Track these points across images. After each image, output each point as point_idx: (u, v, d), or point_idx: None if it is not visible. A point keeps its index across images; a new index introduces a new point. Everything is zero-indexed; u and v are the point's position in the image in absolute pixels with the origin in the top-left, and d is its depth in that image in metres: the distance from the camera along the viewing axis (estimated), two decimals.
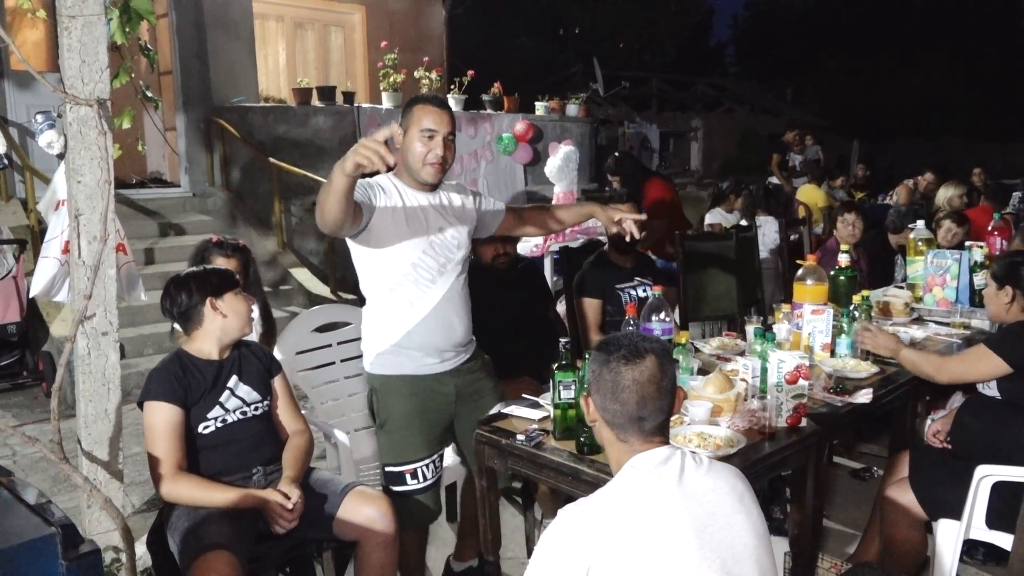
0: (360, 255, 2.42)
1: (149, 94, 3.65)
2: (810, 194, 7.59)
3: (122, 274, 3.20)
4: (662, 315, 2.58)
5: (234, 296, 2.38)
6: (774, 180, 8.67)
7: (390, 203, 2.38)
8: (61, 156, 2.82)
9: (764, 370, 2.41)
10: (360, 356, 2.58)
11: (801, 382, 2.26)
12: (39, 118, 3.05)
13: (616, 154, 5.42)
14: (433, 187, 2.44)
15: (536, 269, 3.84)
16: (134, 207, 6.94)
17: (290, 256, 7.05)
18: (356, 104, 8.05)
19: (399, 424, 2.47)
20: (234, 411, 2.38)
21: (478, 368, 2.59)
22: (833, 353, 2.90)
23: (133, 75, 3.06)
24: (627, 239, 2.57)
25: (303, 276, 6.80)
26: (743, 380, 2.42)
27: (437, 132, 2.36)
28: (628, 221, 2.61)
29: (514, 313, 3.27)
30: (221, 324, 2.37)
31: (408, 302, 2.42)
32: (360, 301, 2.58)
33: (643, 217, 2.67)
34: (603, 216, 2.66)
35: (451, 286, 2.45)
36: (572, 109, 9.81)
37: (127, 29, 2.74)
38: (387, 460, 2.49)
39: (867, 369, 2.74)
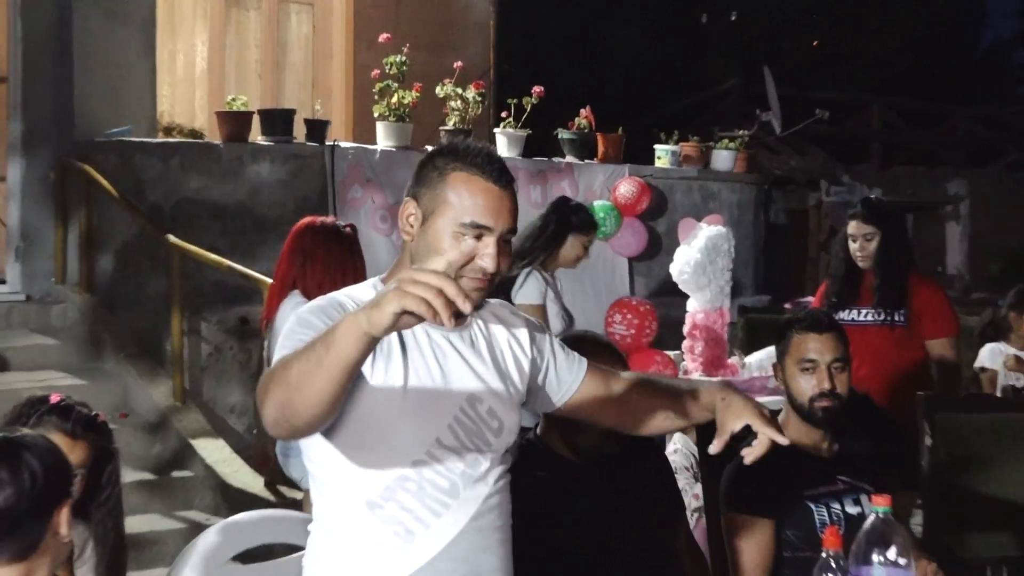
0: (318, 444, 2.47)
1: None
2: None
3: None
4: (892, 552, 2.52)
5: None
6: None
7: (380, 353, 2.43)
8: None
9: None
10: None
11: None
12: None
13: (874, 197, 5.62)
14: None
15: (656, 454, 3.84)
16: None
17: (194, 415, 7.17)
18: (332, 142, 8.35)
19: None
20: None
21: None
22: None
23: None
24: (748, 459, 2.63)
25: (216, 454, 6.88)
26: None
27: (492, 229, 2.47)
28: (761, 435, 2.60)
29: (615, 538, 3.28)
30: None
31: (406, 530, 2.48)
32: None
33: (783, 440, 2.67)
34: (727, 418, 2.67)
35: (485, 502, 2.54)
36: (723, 157, 10.01)
37: None
38: None
39: None
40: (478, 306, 2.58)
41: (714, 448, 2.62)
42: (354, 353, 2.06)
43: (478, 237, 2.46)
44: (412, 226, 2.51)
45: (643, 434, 2.87)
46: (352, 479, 2.46)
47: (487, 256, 2.45)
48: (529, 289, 5.85)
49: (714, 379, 6.09)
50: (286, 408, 2.16)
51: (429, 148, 8.66)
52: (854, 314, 5.27)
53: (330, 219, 5.18)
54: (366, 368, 2.38)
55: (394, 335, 2.44)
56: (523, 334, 2.70)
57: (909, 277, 5.26)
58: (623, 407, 2.77)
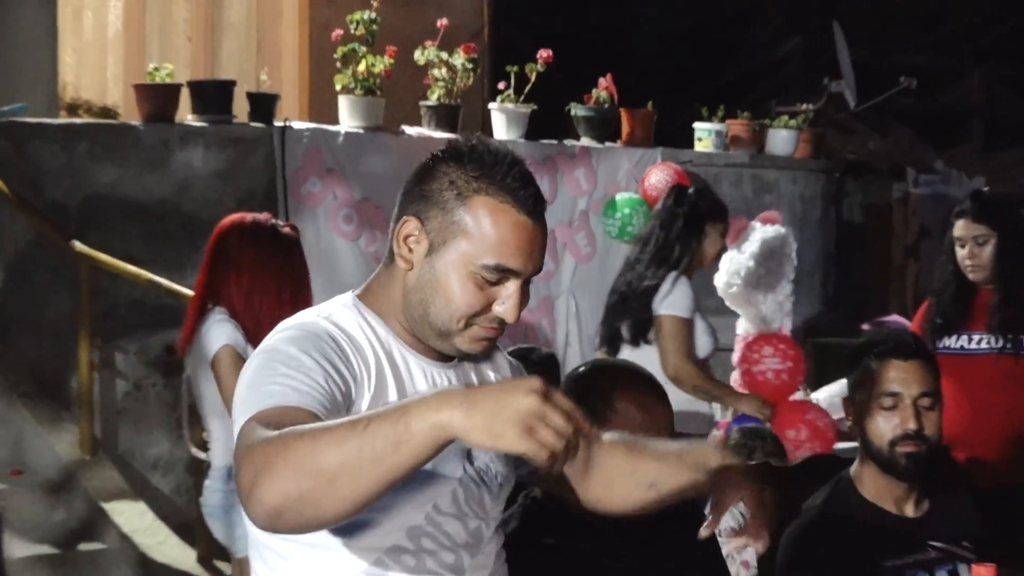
0: None
1: None
2: None
3: None
4: None
5: None
6: None
7: (371, 391, 2.49)
8: None
9: None
10: None
11: None
12: None
13: (986, 190, 5.64)
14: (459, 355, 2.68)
15: (693, 511, 3.80)
16: None
17: (107, 472, 7.16)
18: (282, 121, 8.37)
19: None
20: None
21: None
22: None
23: None
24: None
25: (136, 521, 6.87)
26: None
27: (519, 274, 2.50)
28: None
29: None
30: None
31: None
32: None
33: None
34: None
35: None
36: (782, 139, 10.05)
37: None
38: None
39: None
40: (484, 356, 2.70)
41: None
42: (431, 455, 2.08)
43: (499, 281, 2.48)
44: (412, 251, 2.50)
45: (621, 511, 2.89)
46: (330, 554, 2.48)
47: (509, 305, 2.49)
48: (677, 298, 5.92)
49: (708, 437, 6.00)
50: (305, 502, 2.08)
51: (406, 130, 8.74)
52: (964, 340, 5.27)
53: (264, 216, 5.20)
54: (363, 402, 2.44)
55: (388, 371, 2.53)
56: (505, 367, 2.79)
57: None
58: (603, 478, 2.82)
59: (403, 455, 2.03)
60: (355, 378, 2.44)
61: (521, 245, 2.47)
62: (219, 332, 4.93)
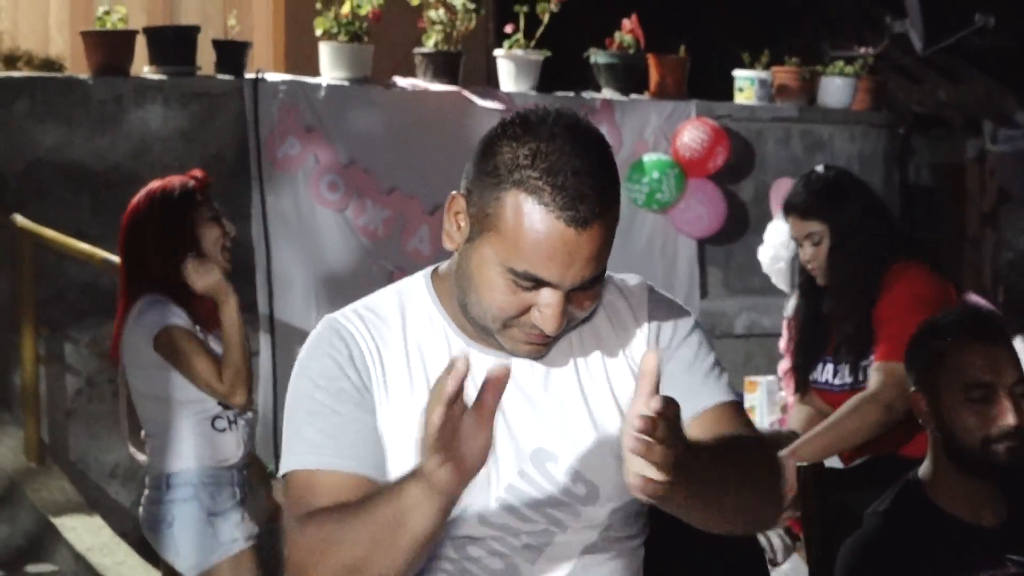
0: None
1: None
2: None
3: None
4: None
5: None
6: None
7: (401, 389, 2.57)
8: None
9: None
10: None
11: None
12: None
13: (821, 169, 5.40)
14: None
15: None
16: None
17: (56, 482, 7.19)
18: (255, 73, 8.38)
19: None
20: None
21: None
22: None
23: None
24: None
25: (91, 538, 6.89)
26: None
27: (558, 284, 2.44)
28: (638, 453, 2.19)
29: None
30: None
31: None
32: None
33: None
34: None
35: None
36: (837, 88, 10.04)
37: None
38: None
39: None
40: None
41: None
42: (438, 521, 2.33)
43: (534, 288, 2.43)
44: (459, 230, 2.51)
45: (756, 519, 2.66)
46: None
47: (547, 315, 2.44)
48: None
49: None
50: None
51: (398, 82, 8.80)
52: (828, 374, 5.08)
53: (168, 181, 5.24)
54: (381, 411, 2.55)
55: (423, 364, 2.60)
56: (640, 333, 2.67)
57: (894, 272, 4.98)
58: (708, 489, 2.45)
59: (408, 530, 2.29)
60: (367, 390, 2.55)
61: (556, 256, 2.39)
62: (151, 315, 5.02)
